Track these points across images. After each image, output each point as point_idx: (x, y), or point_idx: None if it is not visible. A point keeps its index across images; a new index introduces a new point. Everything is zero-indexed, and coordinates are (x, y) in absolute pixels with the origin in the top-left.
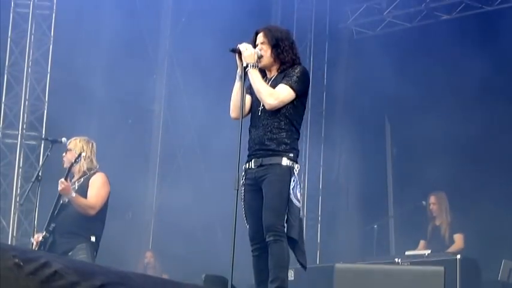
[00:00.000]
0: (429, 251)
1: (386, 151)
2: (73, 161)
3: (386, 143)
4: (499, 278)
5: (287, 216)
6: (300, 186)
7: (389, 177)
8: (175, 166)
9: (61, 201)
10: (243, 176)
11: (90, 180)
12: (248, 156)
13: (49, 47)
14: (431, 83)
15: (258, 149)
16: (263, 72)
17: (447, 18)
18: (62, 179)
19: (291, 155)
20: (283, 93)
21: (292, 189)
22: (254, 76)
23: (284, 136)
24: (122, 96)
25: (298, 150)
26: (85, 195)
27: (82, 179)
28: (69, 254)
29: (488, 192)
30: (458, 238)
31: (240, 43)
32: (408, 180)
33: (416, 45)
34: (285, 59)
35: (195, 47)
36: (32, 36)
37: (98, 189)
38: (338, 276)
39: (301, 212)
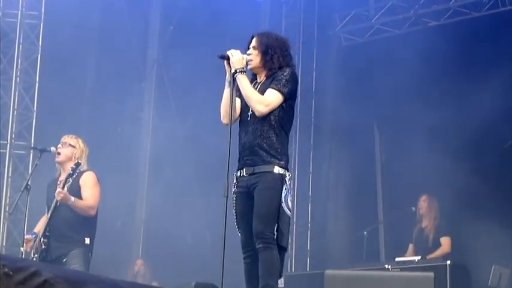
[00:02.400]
0: (419, 257)
1: (375, 158)
2: (71, 171)
3: (375, 150)
4: (489, 284)
5: (278, 225)
6: (291, 194)
7: (379, 183)
8: (164, 174)
9: (53, 204)
10: (235, 183)
11: (81, 180)
12: (239, 162)
13: (37, 56)
14: (420, 89)
15: (249, 155)
16: (254, 75)
17: (435, 25)
18: (59, 189)
19: (282, 162)
20: (272, 98)
21: (284, 197)
22: (243, 82)
23: (274, 141)
24: (111, 105)
25: (289, 156)
26: (77, 195)
27: (71, 179)
28: (64, 260)
29: (478, 197)
30: (445, 241)
31: (229, 50)
32: (397, 186)
33: (405, 52)
34: (273, 66)
35: (184, 55)
36: (20, 46)
37: (91, 188)
38: (328, 282)
39: (291, 220)
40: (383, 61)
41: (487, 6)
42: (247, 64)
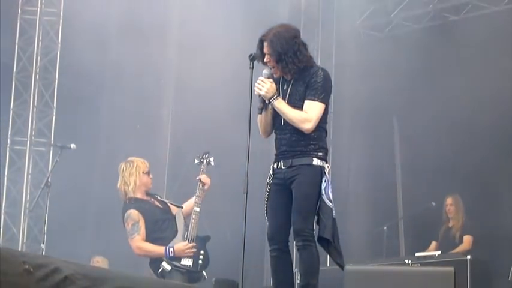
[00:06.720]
0: (439, 252)
1: (395, 153)
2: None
3: (395, 145)
4: (509, 279)
5: (319, 217)
6: (331, 186)
7: (399, 178)
8: (184, 171)
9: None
10: (271, 175)
11: None
12: (276, 155)
13: (56, 53)
14: (440, 84)
15: (287, 150)
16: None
17: (455, 19)
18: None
19: (320, 154)
20: (314, 112)
21: (324, 189)
22: (282, 108)
23: (312, 135)
24: (130, 102)
25: (327, 149)
26: None
27: None
28: None
29: (498, 192)
30: (467, 240)
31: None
32: (417, 181)
33: (425, 47)
34: (292, 70)
35: (203, 51)
36: (40, 43)
37: None
38: (348, 278)
39: (334, 212)
40: (402, 56)
41: (506, 1)
42: (272, 76)
